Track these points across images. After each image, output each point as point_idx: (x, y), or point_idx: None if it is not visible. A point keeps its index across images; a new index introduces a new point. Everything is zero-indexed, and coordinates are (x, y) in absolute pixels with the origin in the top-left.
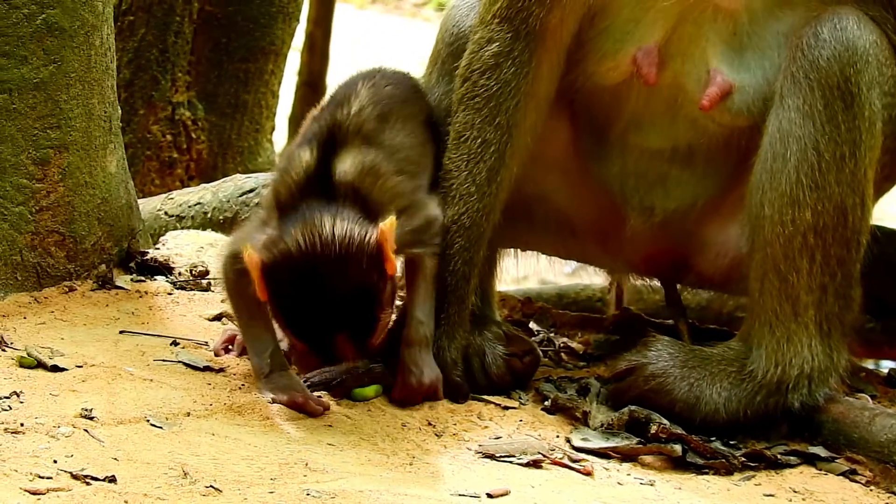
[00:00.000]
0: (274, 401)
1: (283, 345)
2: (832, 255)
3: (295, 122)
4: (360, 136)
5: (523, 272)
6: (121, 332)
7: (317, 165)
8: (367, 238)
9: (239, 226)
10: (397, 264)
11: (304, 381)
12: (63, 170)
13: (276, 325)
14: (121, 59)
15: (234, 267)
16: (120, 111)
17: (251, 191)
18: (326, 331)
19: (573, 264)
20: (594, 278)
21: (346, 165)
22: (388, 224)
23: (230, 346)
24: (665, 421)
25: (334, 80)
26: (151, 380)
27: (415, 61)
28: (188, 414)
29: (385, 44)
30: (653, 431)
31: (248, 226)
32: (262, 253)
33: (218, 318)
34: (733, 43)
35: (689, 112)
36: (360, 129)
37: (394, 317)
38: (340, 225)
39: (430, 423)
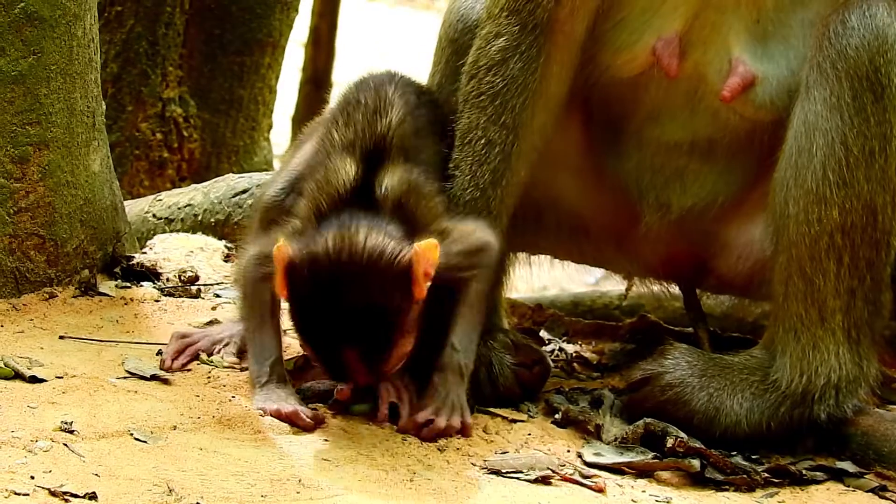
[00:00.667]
0: (264, 411)
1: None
2: (861, 257)
3: (299, 121)
4: (402, 151)
5: (543, 282)
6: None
7: (361, 179)
8: (399, 255)
9: (256, 231)
10: (425, 290)
11: (299, 390)
12: (43, 168)
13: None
14: (108, 53)
15: (259, 268)
16: (104, 106)
17: (244, 191)
18: (337, 342)
19: (597, 274)
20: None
21: (393, 181)
22: (426, 245)
23: (179, 357)
24: (682, 434)
25: (340, 76)
26: (136, 391)
27: (427, 56)
28: (174, 427)
29: (396, 38)
30: (669, 445)
31: (277, 232)
32: (293, 249)
33: (209, 324)
34: (756, 31)
35: (710, 104)
36: (403, 144)
37: (412, 344)
38: (375, 236)
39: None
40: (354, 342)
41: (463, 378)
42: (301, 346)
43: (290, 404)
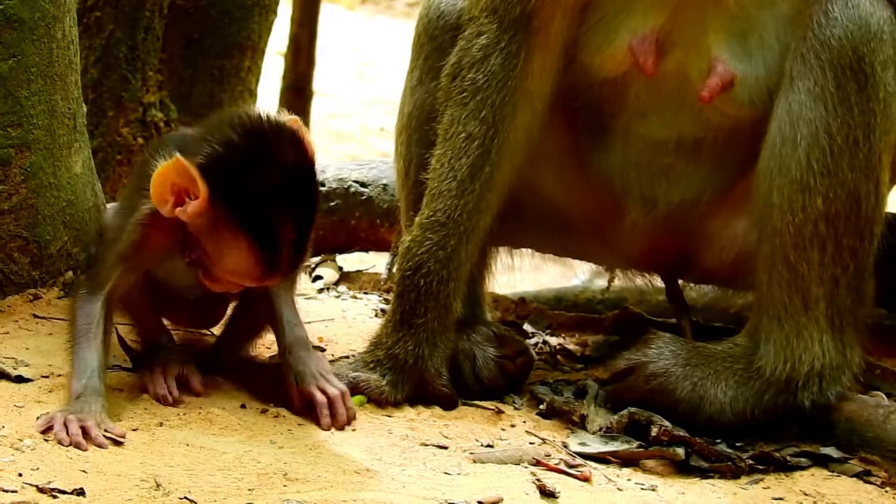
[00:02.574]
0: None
1: None
2: (844, 246)
3: None
4: None
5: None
6: None
7: None
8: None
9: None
10: None
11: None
12: (25, 170)
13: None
14: (87, 58)
15: (141, 220)
16: (85, 109)
17: None
18: (286, 215)
19: (582, 276)
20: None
21: None
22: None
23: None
24: (667, 423)
25: (321, 84)
26: (121, 389)
27: (406, 64)
28: (160, 424)
29: (376, 46)
30: (654, 434)
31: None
32: (189, 161)
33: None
34: (733, 30)
35: (694, 103)
36: None
37: None
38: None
39: (416, 429)
40: (303, 213)
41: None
42: (256, 256)
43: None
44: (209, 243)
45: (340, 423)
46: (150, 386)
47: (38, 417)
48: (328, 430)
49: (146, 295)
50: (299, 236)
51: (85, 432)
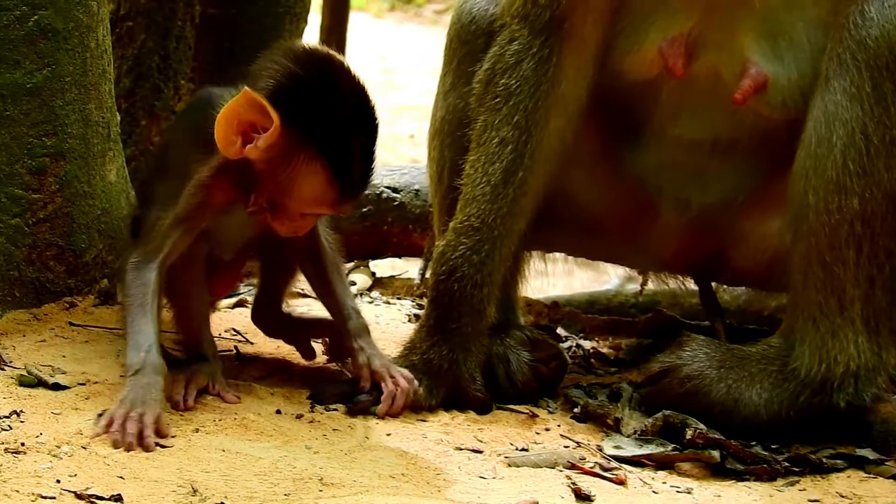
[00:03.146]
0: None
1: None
2: (880, 246)
3: None
4: None
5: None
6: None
7: None
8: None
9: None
10: None
11: (313, 395)
12: (60, 179)
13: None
14: (120, 68)
15: (202, 180)
16: (119, 117)
17: None
18: (359, 139)
19: (615, 281)
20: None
21: None
22: None
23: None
24: (702, 426)
25: None
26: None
27: (435, 71)
28: (197, 430)
29: (404, 53)
30: (689, 437)
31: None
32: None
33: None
34: (764, 31)
35: (727, 104)
36: None
37: None
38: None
39: (450, 434)
40: (370, 132)
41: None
42: (330, 186)
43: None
44: (283, 175)
45: (396, 412)
46: (168, 389)
47: (98, 415)
48: (382, 417)
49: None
50: (368, 155)
51: (141, 436)
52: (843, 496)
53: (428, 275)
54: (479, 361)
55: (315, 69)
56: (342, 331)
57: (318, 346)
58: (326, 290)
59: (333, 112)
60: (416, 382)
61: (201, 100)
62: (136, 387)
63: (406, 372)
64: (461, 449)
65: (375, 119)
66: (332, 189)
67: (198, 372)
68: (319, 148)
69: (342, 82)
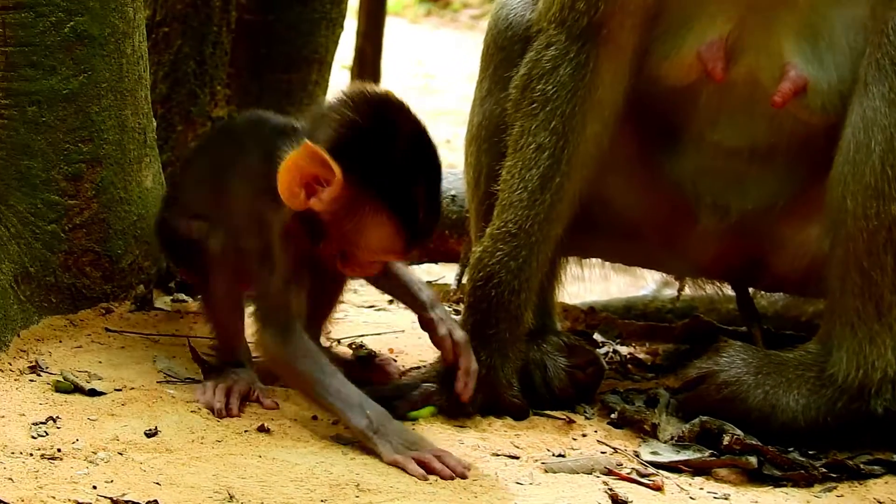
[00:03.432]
0: (396, 464)
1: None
2: None
3: None
4: None
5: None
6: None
7: None
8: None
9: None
10: None
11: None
12: (96, 185)
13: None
14: (156, 74)
15: (280, 233)
16: (155, 123)
17: None
18: (423, 184)
19: (654, 283)
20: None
21: None
22: None
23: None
24: (739, 431)
25: None
26: (194, 401)
27: (472, 76)
28: (234, 436)
29: (440, 58)
30: (726, 443)
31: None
32: (315, 142)
33: None
34: (804, 33)
35: (767, 109)
36: None
37: None
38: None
39: (487, 440)
40: (433, 177)
41: None
42: (395, 237)
43: (429, 449)
44: (348, 226)
45: (469, 393)
46: (208, 396)
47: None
48: (466, 401)
49: (241, 303)
50: (433, 200)
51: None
52: (880, 502)
53: (465, 280)
54: (516, 367)
55: (375, 117)
56: (417, 304)
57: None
58: (388, 272)
59: (396, 162)
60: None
61: (255, 132)
62: (390, 436)
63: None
64: (498, 455)
65: (438, 162)
66: (400, 238)
67: (239, 379)
68: (384, 199)
69: (403, 129)
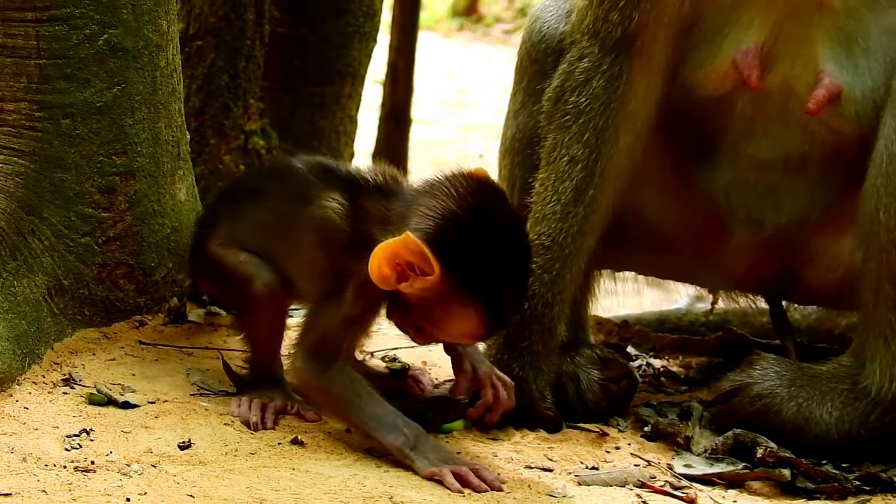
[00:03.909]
0: (434, 476)
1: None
2: None
3: (378, 158)
4: None
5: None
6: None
7: None
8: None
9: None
10: None
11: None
12: (130, 198)
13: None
14: (190, 87)
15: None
16: (188, 136)
17: None
18: (516, 283)
19: (687, 296)
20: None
21: None
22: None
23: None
24: (772, 444)
25: (419, 111)
26: (226, 414)
27: (504, 90)
28: (266, 448)
29: (473, 73)
30: (759, 455)
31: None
32: (419, 233)
33: None
34: (839, 40)
35: (801, 118)
36: None
37: None
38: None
39: (520, 452)
40: (524, 271)
41: None
42: (484, 323)
43: (463, 462)
44: (435, 311)
45: (490, 421)
46: (243, 410)
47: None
48: (474, 418)
49: (281, 324)
50: (521, 294)
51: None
52: None
53: None
54: (549, 380)
55: (475, 211)
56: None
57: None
58: None
59: (493, 261)
60: (512, 393)
61: (324, 181)
62: (427, 452)
63: (508, 380)
64: (531, 467)
65: (529, 256)
66: (483, 329)
67: (274, 395)
68: (477, 296)
69: (502, 225)
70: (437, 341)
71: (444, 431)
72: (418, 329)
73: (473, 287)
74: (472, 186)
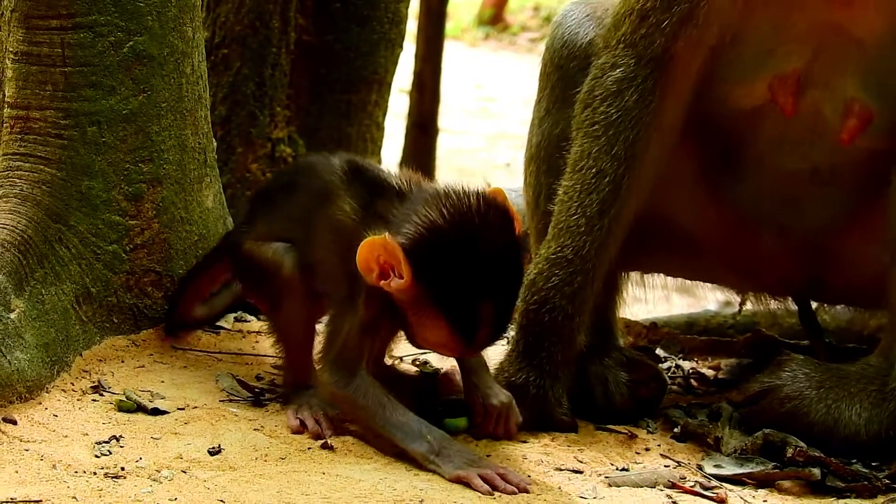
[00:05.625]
0: (460, 479)
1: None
2: None
3: (405, 166)
4: None
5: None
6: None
7: None
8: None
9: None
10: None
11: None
12: (157, 205)
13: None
14: (216, 95)
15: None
16: (215, 143)
17: None
18: (512, 294)
19: (713, 305)
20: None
21: None
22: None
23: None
24: (802, 444)
25: (445, 120)
26: (256, 419)
27: (531, 99)
28: (297, 453)
29: (499, 81)
30: (789, 455)
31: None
32: (395, 236)
33: None
34: (873, 68)
35: (829, 139)
36: None
37: None
38: (456, 187)
39: (550, 455)
40: (505, 296)
41: None
42: (457, 337)
43: (489, 466)
44: (411, 316)
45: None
46: (300, 421)
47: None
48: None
49: (312, 321)
50: (500, 318)
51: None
52: None
53: (519, 301)
54: (566, 386)
55: (461, 229)
56: (460, 367)
57: None
58: None
59: (468, 281)
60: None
61: (352, 179)
62: (452, 456)
63: (517, 415)
64: (561, 469)
65: (515, 278)
66: (455, 344)
67: (319, 403)
68: (445, 308)
69: (487, 247)
70: (422, 347)
71: (449, 427)
72: (410, 331)
73: (442, 302)
74: (469, 203)
